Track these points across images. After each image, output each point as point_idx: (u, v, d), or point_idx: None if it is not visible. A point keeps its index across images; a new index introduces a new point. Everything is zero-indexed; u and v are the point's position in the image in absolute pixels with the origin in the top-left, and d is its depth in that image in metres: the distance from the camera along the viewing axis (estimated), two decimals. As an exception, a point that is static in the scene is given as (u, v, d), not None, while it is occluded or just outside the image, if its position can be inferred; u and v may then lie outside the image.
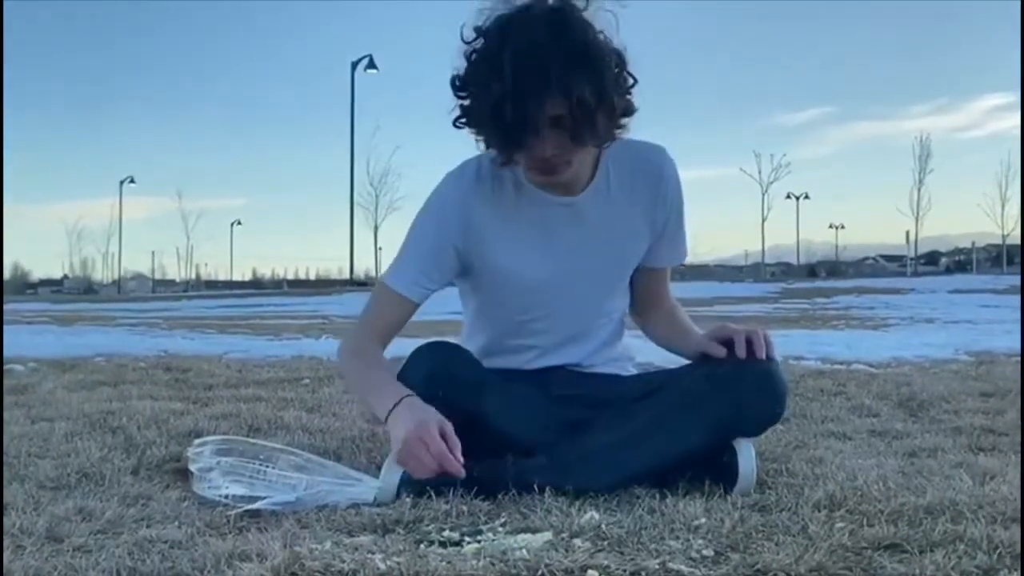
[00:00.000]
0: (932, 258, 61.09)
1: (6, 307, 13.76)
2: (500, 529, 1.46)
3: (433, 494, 1.64)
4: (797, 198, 53.54)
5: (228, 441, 1.80)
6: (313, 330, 8.04)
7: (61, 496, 1.72)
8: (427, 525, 1.49)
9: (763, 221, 46.49)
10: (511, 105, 1.64)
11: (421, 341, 1.91)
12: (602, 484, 1.71)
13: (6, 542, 1.39)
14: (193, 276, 58.53)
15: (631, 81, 1.75)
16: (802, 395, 3.14)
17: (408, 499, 1.62)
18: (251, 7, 79.70)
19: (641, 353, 2.17)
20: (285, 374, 3.86)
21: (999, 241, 45.62)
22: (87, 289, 53.69)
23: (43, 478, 1.85)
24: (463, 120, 1.75)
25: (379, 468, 1.74)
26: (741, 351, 1.81)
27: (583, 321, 1.98)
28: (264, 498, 1.62)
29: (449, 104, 1.77)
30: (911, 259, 44.74)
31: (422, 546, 1.38)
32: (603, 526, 1.44)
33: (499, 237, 1.89)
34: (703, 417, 1.79)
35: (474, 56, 1.71)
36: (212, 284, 59.75)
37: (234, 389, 3.33)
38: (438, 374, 1.80)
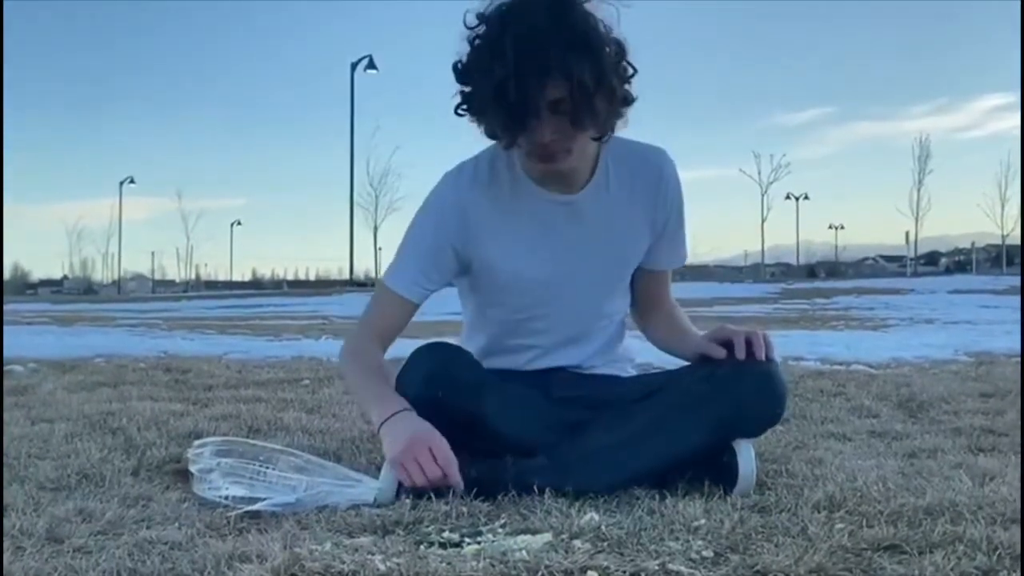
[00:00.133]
0: (932, 258, 61.11)
1: (6, 307, 13.76)
2: (500, 530, 1.47)
3: (433, 495, 1.64)
4: (797, 198, 53.59)
5: (228, 442, 1.80)
6: (313, 331, 8.04)
7: (61, 497, 1.72)
8: (427, 526, 1.50)
9: (763, 221, 46.53)
10: (513, 86, 1.65)
11: (421, 342, 1.91)
12: (602, 485, 1.71)
13: (6, 543, 1.40)
14: (193, 276, 58.58)
15: (630, 70, 1.77)
16: (802, 396, 3.14)
17: (408, 500, 1.63)
18: (251, 7, 79.82)
19: (640, 354, 2.17)
20: (285, 375, 3.86)
21: (999, 241, 45.63)
22: (87, 289, 53.68)
23: (43, 479, 1.85)
24: (465, 107, 1.77)
25: (379, 469, 1.74)
26: (741, 352, 1.81)
27: (583, 321, 1.98)
28: (264, 499, 1.62)
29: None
30: (911, 259, 44.74)
31: (422, 547, 1.38)
32: (603, 527, 1.45)
33: (497, 236, 1.89)
34: (703, 418, 1.79)
35: (476, 41, 1.72)
36: (212, 284, 59.75)
37: (234, 390, 3.33)
38: (438, 375, 1.80)
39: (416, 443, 1.67)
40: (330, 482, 1.67)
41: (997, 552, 1.31)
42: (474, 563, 1.28)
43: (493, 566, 1.27)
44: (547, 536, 1.41)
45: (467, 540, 1.41)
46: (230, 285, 57.43)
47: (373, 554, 1.31)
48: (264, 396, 3.16)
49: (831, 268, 54.31)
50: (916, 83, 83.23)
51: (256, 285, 59.91)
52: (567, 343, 1.98)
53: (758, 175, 45.65)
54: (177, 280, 60.49)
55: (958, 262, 54.57)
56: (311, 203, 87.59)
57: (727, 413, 1.79)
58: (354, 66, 33.72)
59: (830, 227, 62.17)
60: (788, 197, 52.43)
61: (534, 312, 1.95)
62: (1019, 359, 4.38)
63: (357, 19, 71.63)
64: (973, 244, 44.50)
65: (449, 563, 1.28)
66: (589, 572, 1.25)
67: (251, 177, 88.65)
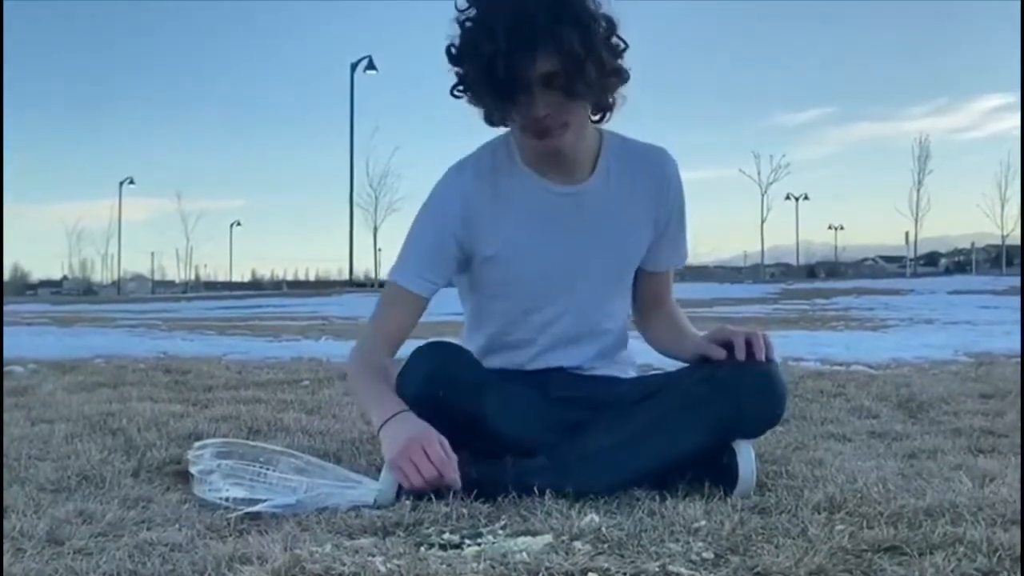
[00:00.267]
0: (931, 259, 61.09)
1: (6, 308, 13.75)
2: (500, 532, 1.47)
3: (433, 497, 1.64)
4: (796, 199, 53.52)
5: (228, 444, 1.80)
6: (313, 331, 8.04)
7: (61, 499, 1.72)
8: (427, 528, 1.50)
9: (762, 222, 46.45)
10: (502, 61, 1.69)
11: (421, 342, 1.91)
12: (602, 486, 1.71)
13: (6, 545, 1.40)
14: (192, 277, 58.52)
15: (622, 45, 1.79)
16: (801, 396, 3.14)
17: (408, 502, 1.63)
18: (251, 7, 79.68)
19: (640, 355, 2.17)
20: (285, 376, 3.86)
21: (998, 242, 45.58)
22: (86, 290, 53.65)
23: (43, 480, 1.85)
24: (460, 88, 1.80)
25: (379, 470, 1.74)
26: (740, 353, 1.81)
27: (584, 318, 1.97)
28: (264, 501, 1.62)
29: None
30: (910, 260, 44.69)
31: (422, 549, 1.38)
32: (603, 528, 1.45)
33: (499, 228, 1.90)
34: (703, 419, 1.79)
35: (467, 24, 1.75)
36: (211, 285, 59.68)
37: (234, 391, 3.33)
38: (438, 374, 1.80)
39: (412, 444, 1.67)
40: (330, 483, 1.67)
41: (997, 553, 1.31)
42: (474, 564, 1.28)
43: (493, 567, 1.27)
44: (547, 537, 1.41)
45: (467, 542, 1.41)
46: (230, 286, 57.37)
47: (373, 556, 1.31)
48: (264, 397, 3.16)
49: (831, 268, 54.31)
50: (916, 83, 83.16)
51: (256, 286, 59.82)
52: (568, 342, 1.97)
53: (758, 175, 45.59)
54: (177, 281, 60.44)
55: (958, 262, 54.57)
56: (311, 204, 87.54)
57: (727, 414, 1.79)
58: (354, 67, 33.73)
59: (830, 227, 62.18)
60: (788, 197, 52.41)
61: (535, 305, 1.95)
62: (1019, 360, 4.38)
63: (357, 19, 71.62)
64: (973, 245, 44.49)
65: (449, 565, 1.28)
66: (589, 574, 1.25)
67: (251, 177, 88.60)
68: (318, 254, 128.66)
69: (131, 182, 50.32)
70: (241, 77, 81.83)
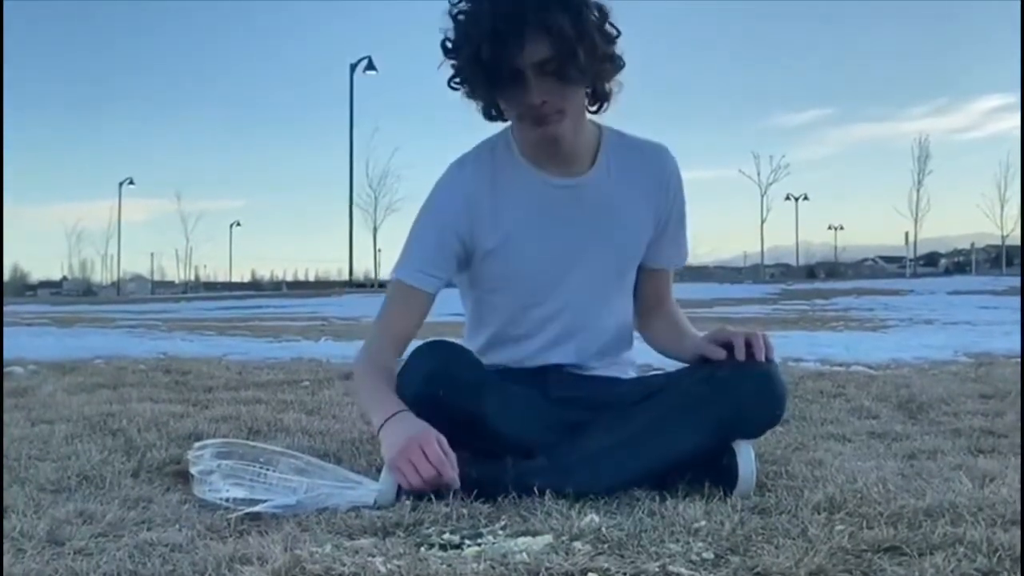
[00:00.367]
0: (931, 259, 61.09)
1: (5, 309, 13.75)
2: (500, 532, 1.47)
3: (433, 497, 1.64)
4: (796, 199, 53.52)
5: (228, 444, 1.80)
6: (312, 332, 8.04)
7: (62, 499, 1.72)
8: (427, 528, 1.50)
9: (762, 222, 46.48)
10: (492, 48, 1.71)
11: (421, 342, 1.91)
12: (602, 486, 1.71)
13: (7, 545, 1.40)
14: (192, 278, 58.55)
15: (614, 32, 1.81)
16: (801, 397, 3.14)
17: (408, 502, 1.63)
18: (251, 7, 79.63)
19: (640, 355, 2.17)
20: (285, 376, 3.86)
21: (998, 242, 45.58)
22: (86, 291, 53.65)
23: (43, 481, 1.85)
24: (457, 81, 1.82)
25: (379, 471, 1.74)
26: (740, 354, 1.82)
27: (584, 313, 1.97)
28: (264, 501, 1.62)
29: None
30: (910, 260, 44.68)
31: (422, 549, 1.38)
32: (603, 529, 1.45)
33: (499, 221, 1.90)
34: (703, 419, 1.79)
35: (459, 16, 1.78)
36: (211, 286, 59.63)
37: (234, 391, 3.33)
38: (438, 374, 1.80)
39: (411, 444, 1.67)
40: (330, 484, 1.67)
41: (997, 554, 1.31)
42: (475, 565, 1.28)
43: (494, 568, 1.27)
44: (547, 538, 1.41)
45: (467, 542, 1.41)
46: (229, 286, 57.34)
47: (374, 556, 1.31)
48: (264, 397, 3.16)
49: (830, 269, 54.29)
50: (916, 84, 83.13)
51: (255, 286, 59.80)
52: (568, 337, 1.97)
53: (757, 176, 45.62)
54: (176, 281, 60.45)
55: (957, 263, 54.57)
56: (310, 204, 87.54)
57: (727, 414, 1.80)
58: (353, 67, 33.73)
59: (829, 228, 62.20)
60: (787, 198, 52.42)
61: (534, 300, 1.95)
62: (1019, 360, 4.38)
63: (357, 19, 71.60)
64: (972, 245, 44.45)
65: (450, 565, 1.28)
66: (589, 574, 1.25)
67: (250, 178, 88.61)
68: (318, 254, 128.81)
69: (131, 182, 50.31)
70: (241, 77, 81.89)
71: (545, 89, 1.76)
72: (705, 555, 1.34)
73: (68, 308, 20.11)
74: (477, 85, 1.81)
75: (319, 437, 2.40)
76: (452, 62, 1.82)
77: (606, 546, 1.38)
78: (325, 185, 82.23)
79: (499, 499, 1.65)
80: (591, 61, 1.76)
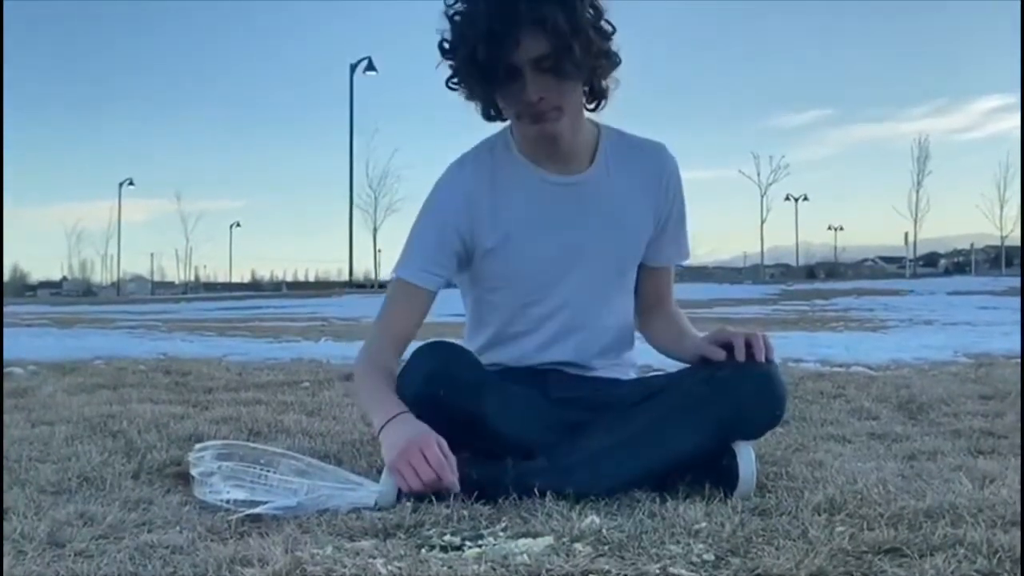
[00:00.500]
0: (931, 260, 61.12)
1: (5, 309, 13.75)
2: (501, 533, 1.47)
3: (434, 498, 1.64)
4: (796, 200, 53.56)
5: (229, 445, 1.80)
6: (312, 333, 8.04)
7: (62, 501, 1.72)
8: (428, 529, 1.50)
9: (762, 223, 46.48)
10: (487, 46, 1.72)
11: (421, 342, 1.91)
12: (602, 487, 1.71)
13: (7, 547, 1.40)
14: (192, 278, 58.56)
15: (610, 28, 1.81)
16: (801, 398, 3.14)
17: (409, 504, 1.63)
18: (251, 7, 79.61)
19: (640, 355, 2.17)
20: (285, 377, 3.86)
21: (998, 243, 45.58)
22: (86, 291, 53.63)
23: (44, 482, 1.85)
24: (455, 81, 1.83)
25: (379, 472, 1.74)
26: (740, 354, 1.82)
27: (584, 311, 1.97)
28: (265, 503, 1.62)
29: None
30: (910, 261, 44.67)
31: (423, 550, 1.38)
32: (604, 530, 1.45)
33: (500, 219, 1.91)
34: (703, 420, 1.79)
35: (455, 17, 1.79)
36: (211, 286, 59.62)
37: (234, 392, 3.33)
38: (438, 374, 1.80)
39: (411, 447, 1.67)
40: (331, 485, 1.67)
41: (997, 555, 1.31)
42: (475, 567, 1.28)
43: (494, 569, 1.27)
44: (548, 539, 1.41)
45: (468, 543, 1.41)
46: (229, 287, 57.31)
47: (374, 558, 1.32)
48: (264, 398, 3.16)
49: (830, 269, 54.28)
50: (915, 84, 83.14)
51: (255, 287, 59.78)
52: (568, 335, 1.97)
53: (757, 176, 45.64)
54: (176, 282, 60.45)
55: (957, 263, 54.59)
56: (310, 205, 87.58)
57: (727, 415, 1.80)
58: (353, 68, 33.73)
59: (829, 228, 62.25)
60: (787, 198, 52.45)
61: (534, 298, 1.95)
62: (1019, 360, 4.38)
63: (357, 20, 71.60)
64: (972, 245, 44.43)
65: (450, 567, 1.28)
66: (590, 575, 1.25)
67: (250, 178, 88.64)
68: (318, 255, 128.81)
69: (131, 183, 50.32)
70: (241, 77, 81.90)
71: (542, 85, 1.76)
72: (706, 556, 1.34)
73: (68, 309, 20.10)
74: (474, 84, 1.82)
75: (319, 438, 2.40)
76: (450, 63, 1.82)
77: (607, 548, 1.38)
78: (325, 185, 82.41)
79: (500, 500, 1.65)
80: (586, 56, 1.77)
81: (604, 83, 1.86)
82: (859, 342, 6.00)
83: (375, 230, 37.81)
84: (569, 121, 1.84)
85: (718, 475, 1.78)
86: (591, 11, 1.78)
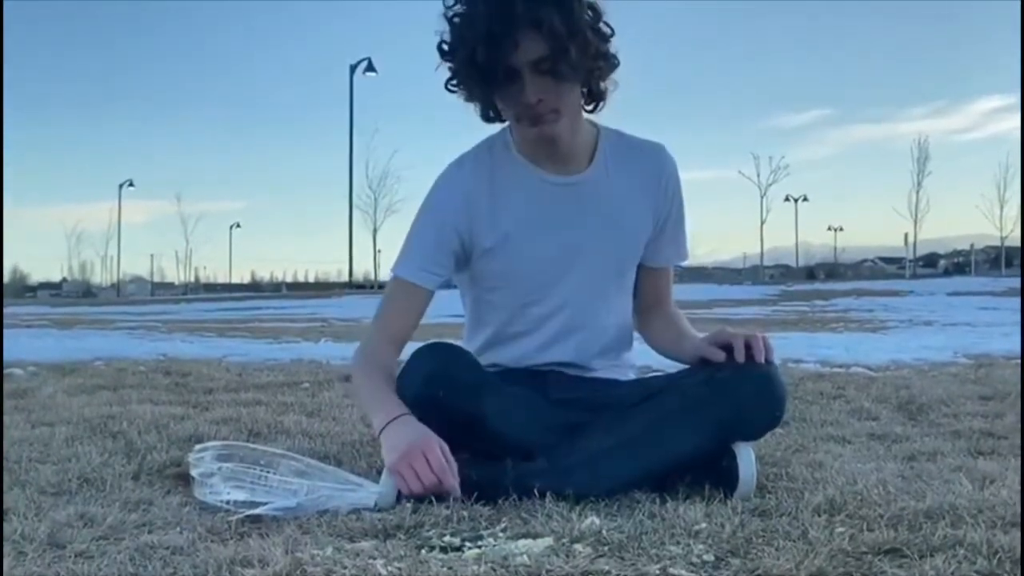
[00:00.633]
0: (930, 260, 61.12)
1: (5, 310, 13.74)
2: (501, 534, 1.47)
3: (434, 499, 1.64)
4: (796, 200, 53.55)
5: (229, 446, 1.80)
6: (312, 333, 8.04)
7: (62, 502, 1.72)
8: (428, 530, 1.50)
9: (762, 223, 46.48)
10: (486, 48, 1.72)
11: (421, 343, 1.91)
12: (602, 488, 1.71)
13: (7, 548, 1.40)
14: (192, 279, 58.56)
15: (608, 31, 1.82)
16: (801, 398, 3.14)
17: (409, 504, 1.63)
18: (251, 7, 79.62)
19: (639, 356, 2.17)
20: (285, 378, 3.86)
21: (998, 243, 45.58)
22: (86, 292, 53.64)
23: (44, 483, 1.85)
24: (454, 82, 1.84)
25: (379, 473, 1.74)
26: (740, 355, 1.82)
27: (583, 311, 1.97)
28: (265, 504, 1.62)
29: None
30: (909, 261, 44.66)
31: (423, 551, 1.38)
32: (604, 531, 1.45)
33: (499, 219, 1.91)
34: (703, 421, 1.79)
35: (455, 19, 1.79)
36: (211, 287, 59.60)
37: (234, 393, 3.33)
38: (438, 375, 1.80)
39: (413, 450, 1.67)
40: (331, 486, 1.67)
41: (997, 556, 1.31)
42: (475, 567, 1.28)
43: (494, 570, 1.28)
44: (548, 540, 1.41)
45: (468, 544, 1.41)
46: (229, 288, 57.28)
47: (374, 558, 1.32)
48: (264, 399, 3.16)
49: (830, 270, 54.30)
50: (915, 85, 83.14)
51: (255, 287, 59.71)
52: (568, 336, 1.97)
53: (757, 177, 45.63)
54: (176, 283, 60.47)
55: (957, 264, 54.61)
56: (310, 205, 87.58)
57: (727, 416, 1.80)
58: (353, 68, 33.74)
59: (829, 229, 62.26)
60: (787, 199, 52.42)
61: (533, 298, 1.95)
62: (1018, 361, 4.38)
63: (357, 20, 71.63)
64: (972, 246, 44.41)
65: (450, 567, 1.28)
66: (590, 576, 1.25)
67: (250, 179, 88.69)
68: (318, 256, 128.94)
69: (131, 184, 50.31)
70: (241, 77, 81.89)
71: (540, 87, 1.77)
72: (705, 557, 1.35)
73: (68, 310, 20.09)
74: (473, 86, 1.83)
75: (319, 439, 2.40)
76: (449, 64, 1.83)
77: (607, 548, 1.38)
78: (325, 186, 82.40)
79: (499, 501, 1.65)
80: (584, 58, 1.77)
81: (603, 85, 1.86)
82: (859, 343, 6.00)
83: (375, 231, 37.84)
84: (567, 123, 1.84)
85: (718, 476, 1.78)
86: (589, 13, 1.78)
